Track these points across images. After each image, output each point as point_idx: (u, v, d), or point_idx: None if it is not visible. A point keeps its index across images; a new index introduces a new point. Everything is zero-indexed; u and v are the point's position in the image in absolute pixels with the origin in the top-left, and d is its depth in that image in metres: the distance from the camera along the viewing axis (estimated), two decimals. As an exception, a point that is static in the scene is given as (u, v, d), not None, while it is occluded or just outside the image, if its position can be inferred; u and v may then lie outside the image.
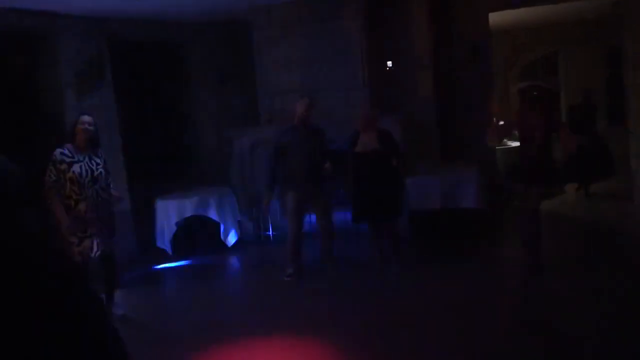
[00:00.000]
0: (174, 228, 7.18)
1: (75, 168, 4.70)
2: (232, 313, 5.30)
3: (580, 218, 7.70)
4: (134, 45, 7.79)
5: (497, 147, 8.95)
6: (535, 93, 5.41)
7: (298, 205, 5.86)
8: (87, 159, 4.80)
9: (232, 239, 7.37)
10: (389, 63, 7.70)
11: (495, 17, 8.59)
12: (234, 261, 7.27)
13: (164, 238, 7.19)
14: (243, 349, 4.40)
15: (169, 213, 7.19)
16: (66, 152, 4.74)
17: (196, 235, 7.41)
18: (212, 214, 7.20)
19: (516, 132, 5.90)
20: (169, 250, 7.16)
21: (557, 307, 4.73)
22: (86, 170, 4.75)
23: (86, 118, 4.85)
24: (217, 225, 7.26)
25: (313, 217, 6.47)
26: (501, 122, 6.52)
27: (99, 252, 4.81)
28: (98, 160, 4.88)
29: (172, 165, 8.22)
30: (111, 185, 5.05)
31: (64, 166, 4.68)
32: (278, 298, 5.53)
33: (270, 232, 7.65)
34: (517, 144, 9.73)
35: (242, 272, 7.04)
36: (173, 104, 8.52)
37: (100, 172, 4.84)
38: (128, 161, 7.39)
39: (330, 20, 7.32)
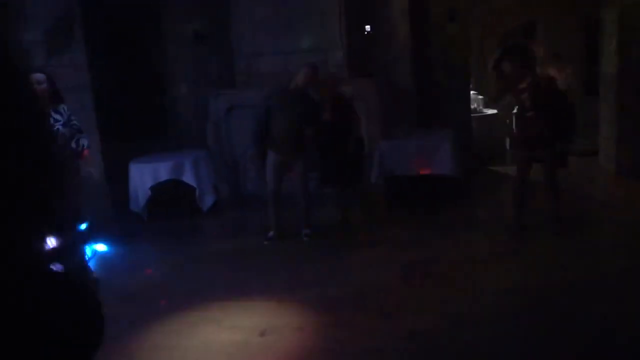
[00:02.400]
0: (149, 192, 7.09)
1: None
2: (201, 276, 5.31)
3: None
4: (106, 1, 7.53)
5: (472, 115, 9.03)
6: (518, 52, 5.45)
7: (277, 167, 5.85)
8: None
9: (208, 202, 7.31)
10: (367, 27, 7.61)
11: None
12: (208, 224, 7.22)
13: (138, 202, 7.09)
14: (208, 310, 4.45)
15: (144, 177, 7.07)
16: None
17: (172, 199, 7.33)
18: (188, 178, 7.08)
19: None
20: (144, 215, 7.09)
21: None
22: None
23: (36, 76, 4.67)
24: (193, 189, 7.19)
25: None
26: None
27: None
28: (57, 117, 4.73)
29: (147, 126, 8.06)
30: (84, 144, 4.93)
31: None
32: (253, 262, 5.55)
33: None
34: (493, 111, 9.93)
35: (216, 235, 6.98)
36: (148, 63, 8.32)
37: (57, 130, 4.69)
38: (101, 122, 7.22)
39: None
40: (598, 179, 7.78)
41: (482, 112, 9.80)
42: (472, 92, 10.70)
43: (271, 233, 5.95)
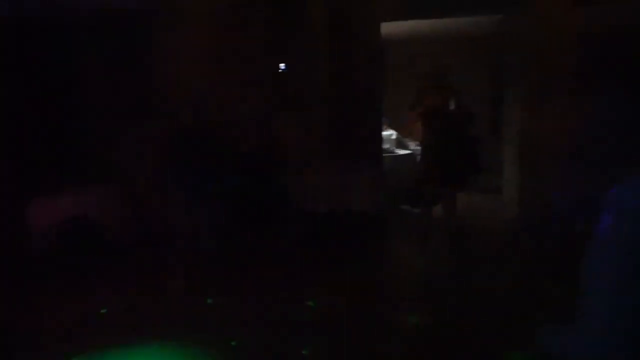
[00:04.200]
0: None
1: None
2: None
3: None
4: (14, 22, 7.21)
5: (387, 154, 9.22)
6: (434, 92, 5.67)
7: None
8: None
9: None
10: (282, 65, 7.70)
11: (394, 27, 8.82)
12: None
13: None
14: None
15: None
16: None
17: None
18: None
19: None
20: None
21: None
22: None
23: None
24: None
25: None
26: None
27: None
28: None
29: (48, 157, 7.67)
30: None
31: None
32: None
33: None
34: (405, 151, 10.20)
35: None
36: (60, 91, 7.98)
37: None
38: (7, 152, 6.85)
39: (225, 11, 7.21)
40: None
41: (394, 152, 10.05)
42: (386, 131, 10.98)
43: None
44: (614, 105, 6.81)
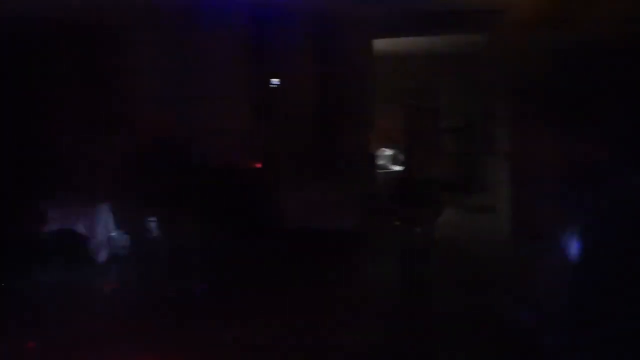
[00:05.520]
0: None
1: None
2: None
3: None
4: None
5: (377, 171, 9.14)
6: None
7: None
8: None
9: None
10: (274, 80, 7.65)
11: (384, 44, 8.78)
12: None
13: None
14: None
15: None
16: None
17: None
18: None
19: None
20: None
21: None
22: None
23: None
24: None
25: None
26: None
27: None
28: None
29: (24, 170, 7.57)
30: None
31: None
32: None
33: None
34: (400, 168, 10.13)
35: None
36: (31, 101, 7.90)
37: None
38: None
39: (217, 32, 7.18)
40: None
41: (388, 169, 9.94)
42: (380, 148, 10.92)
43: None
44: (605, 123, 6.72)
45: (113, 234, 7.02)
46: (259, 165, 6.79)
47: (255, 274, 6.14)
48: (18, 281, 6.10)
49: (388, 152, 10.61)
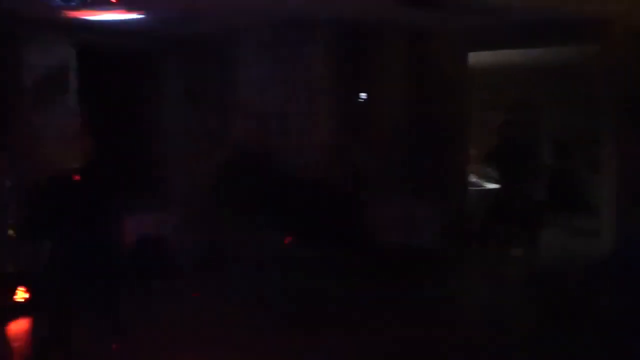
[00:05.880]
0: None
1: None
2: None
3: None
4: (103, 55, 7.60)
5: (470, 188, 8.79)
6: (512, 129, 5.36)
7: None
8: None
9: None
10: (362, 95, 7.57)
11: (479, 57, 8.46)
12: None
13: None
14: None
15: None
16: None
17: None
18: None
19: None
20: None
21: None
22: None
23: None
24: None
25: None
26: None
27: None
28: None
29: (128, 179, 7.96)
30: None
31: None
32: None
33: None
34: (495, 186, 9.67)
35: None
36: (140, 117, 8.34)
37: None
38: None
39: (302, 44, 7.19)
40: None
41: (481, 186, 9.50)
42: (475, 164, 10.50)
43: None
44: None
45: (204, 242, 7.25)
46: (350, 180, 6.69)
47: (344, 288, 6.06)
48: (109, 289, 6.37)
49: (483, 168, 10.21)
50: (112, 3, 5.32)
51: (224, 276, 6.54)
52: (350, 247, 6.32)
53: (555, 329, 4.95)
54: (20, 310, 5.21)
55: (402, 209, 6.75)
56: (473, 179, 9.40)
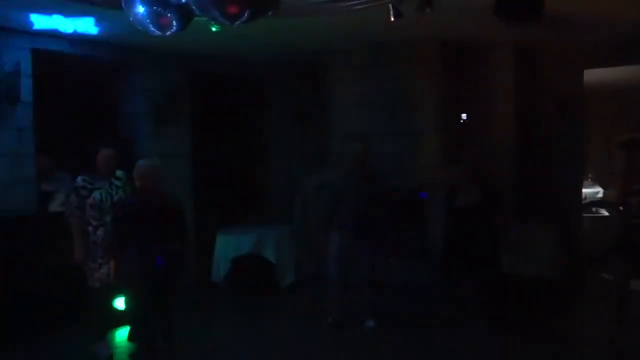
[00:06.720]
0: (230, 264, 7.15)
1: (96, 194, 4.82)
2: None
3: None
4: (214, 79, 7.99)
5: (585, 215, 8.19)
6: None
7: (340, 250, 5.64)
8: (107, 185, 4.90)
9: (287, 280, 7.21)
10: (464, 115, 7.35)
11: (596, 75, 7.95)
12: (281, 302, 7.00)
13: (219, 273, 7.20)
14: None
15: (227, 248, 7.19)
16: (86, 179, 4.85)
17: (252, 273, 7.30)
18: (268, 254, 7.09)
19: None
20: (223, 286, 7.16)
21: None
22: (106, 196, 4.85)
23: (107, 152, 4.90)
24: (274, 264, 7.13)
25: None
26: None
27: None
28: (118, 183, 4.96)
29: (240, 199, 8.26)
30: None
31: (84, 192, 4.82)
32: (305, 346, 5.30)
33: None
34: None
35: (286, 314, 6.72)
36: (248, 138, 8.68)
37: (120, 196, 4.87)
38: (197, 191, 7.53)
39: (404, 64, 7.13)
40: None
41: (598, 213, 8.79)
42: (590, 188, 9.81)
43: (330, 319, 5.67)
44: None
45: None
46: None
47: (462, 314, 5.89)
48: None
49: (601, 193, 9.51)
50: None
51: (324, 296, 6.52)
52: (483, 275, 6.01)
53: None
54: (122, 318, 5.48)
55: (524, 235, 6.43)
56: (593, 206, 8.75)
